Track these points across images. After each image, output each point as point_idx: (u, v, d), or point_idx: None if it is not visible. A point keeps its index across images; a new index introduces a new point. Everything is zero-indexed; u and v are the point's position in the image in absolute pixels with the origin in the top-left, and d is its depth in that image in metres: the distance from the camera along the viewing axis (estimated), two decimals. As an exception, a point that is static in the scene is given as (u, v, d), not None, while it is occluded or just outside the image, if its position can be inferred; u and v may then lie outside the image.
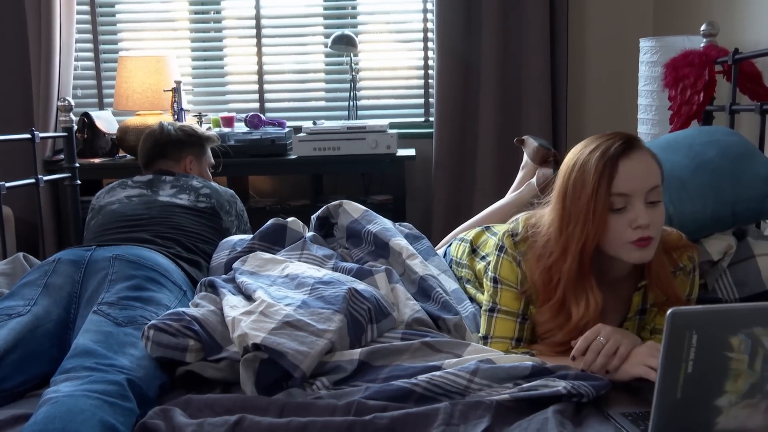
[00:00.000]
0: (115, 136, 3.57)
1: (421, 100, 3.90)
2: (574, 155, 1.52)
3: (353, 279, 1.73)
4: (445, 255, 2.19)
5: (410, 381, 1.36)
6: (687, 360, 1.13)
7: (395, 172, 3.46)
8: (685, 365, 1.14)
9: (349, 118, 3.79)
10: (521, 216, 1.67)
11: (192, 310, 1.59)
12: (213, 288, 1.74)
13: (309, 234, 2.10)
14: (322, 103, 3.99)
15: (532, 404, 1.33)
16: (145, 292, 1.69)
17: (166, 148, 2.45)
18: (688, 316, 1.13)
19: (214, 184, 2.40)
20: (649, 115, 2.77)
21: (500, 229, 1.73)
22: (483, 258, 1.94)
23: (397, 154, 3.42)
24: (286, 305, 1.57)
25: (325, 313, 1.55)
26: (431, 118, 3.75)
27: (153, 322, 1.51)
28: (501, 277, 1.61)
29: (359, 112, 3.87)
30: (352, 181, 3.88)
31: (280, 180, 3.92)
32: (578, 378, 1.39)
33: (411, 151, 3.54)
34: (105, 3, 3.95)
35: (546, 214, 1.57)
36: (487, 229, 2.05)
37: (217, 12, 3.99)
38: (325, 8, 3.94)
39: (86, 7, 3.89)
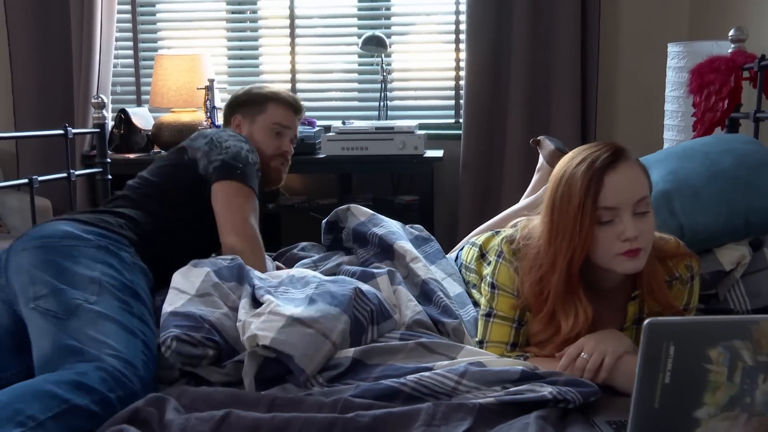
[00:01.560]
0: (150, 132, 3.67)
1: (452, 102, 3.91)
2: (561, 167, 1.52)
3: (356, 281, 1.76)
4: (457, 258, 2.20)
5: (399, 381, 1.39)
6: (664, 370, 1.13)
7: (423, 172, 3.48)
8: (663, 375, 1.13)
9: (379, 118, 3.82)
10: (521, 222, 1.68)
11: (208, 314, 1.58)
12: (241, 275, 1.74)
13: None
14: (355, 103, 4.03)
15: (519, 408, 1.34)
16: (65, 274, 1.62)
17: (225, 113, 2.34)
18: (665, 327, 1.12)
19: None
20: (675, 121, 2.74)
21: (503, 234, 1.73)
22: (490, 263, 1.94)
23: (425, 155, 3.44)
24: (295, 305, 1.59)
25: (332, 311, 1.56)
26: (461, 120, 3.76)
27: (175, 333, 1.50)
28: (498, 282, 1.62)
29: (392, 112, 3.90)
30: (381, 181, 3.91)
31: (310, 178, 3.97)
32: (568, 384, 1.39)
33: (439, 152, 3.55)
34: (145, 3, 4.05)
35: (537, 224, 1.58)
36: (497, 233, 2.05)
37: (254, 12, 4.05)
38: (359, 9, 3.97)
39: (127, 7, 4.00)
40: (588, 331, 1.52)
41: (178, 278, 1.70)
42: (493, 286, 1.63)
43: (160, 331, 1.54)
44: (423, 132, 3.49)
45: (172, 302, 1.60)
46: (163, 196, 2.01)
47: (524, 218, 1.69)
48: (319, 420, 1.25)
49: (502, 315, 1.61)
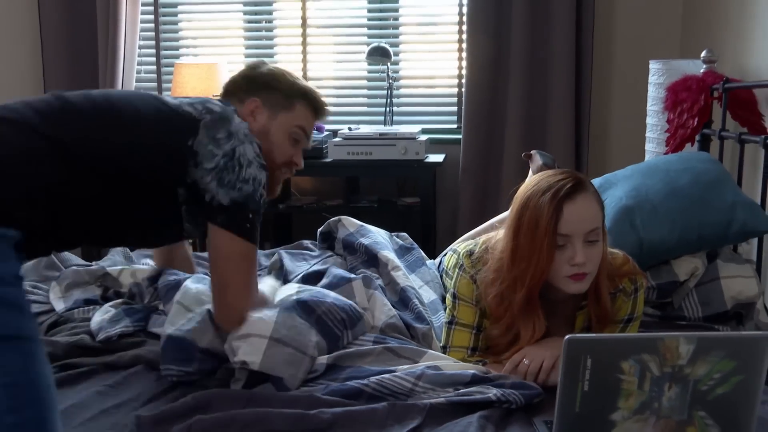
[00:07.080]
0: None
1: (455, 108, 4.09)
2: (526, 191, 1.68)
3: (325, 291, 1.91)
4: (440, 264, 2.39)
5: (362, 382, 1.58)
6: (583, 380, 1.32)
7: (425, 176, 3.66)
8: (582, 384, 1.32)
9: (385, 123, 4.01)
10: (482, 238, 1.87)
11: (199, 338, 1.68)
12: None
13: None
14: (364, 109, 4.23)
15: (467, 408, 1.53)
16: None
17: (239, 82, 1.96)
18: (582, 342, 1.31)
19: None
20: (655, 134, 2.90)
21: (461, 247, 1.92)
22: (452, 276, 2.12)
23: (427, 159, 3.62)
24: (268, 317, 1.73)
25: (304, 327, 1.72)
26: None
27: (172, 372, 1.65)
28: (459, 293, 1.82)
29: (398, 118, 4.08)
30: (387, 183, 4.09)
31: (321, 180, 4.17)
32: (513, 387, 1.58)
33: (439, 157, 3.73)
34: (168, 12, 4.28)
35: (500, 240, 1.76)
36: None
37: (269, 21, 4.26)
38: (369, 18, 4.17)
39: (151, 17, 4.22)
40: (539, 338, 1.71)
41: (184, 294, 1.84)
42: (454, 296, 1.83)
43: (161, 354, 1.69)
44: (425, 137, 3.67)
45: (173, 321, 1.73)
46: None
47: (486, 235, 1.88)
48: (284, 415, 1.44)
49: (463, 323, 1.81)
